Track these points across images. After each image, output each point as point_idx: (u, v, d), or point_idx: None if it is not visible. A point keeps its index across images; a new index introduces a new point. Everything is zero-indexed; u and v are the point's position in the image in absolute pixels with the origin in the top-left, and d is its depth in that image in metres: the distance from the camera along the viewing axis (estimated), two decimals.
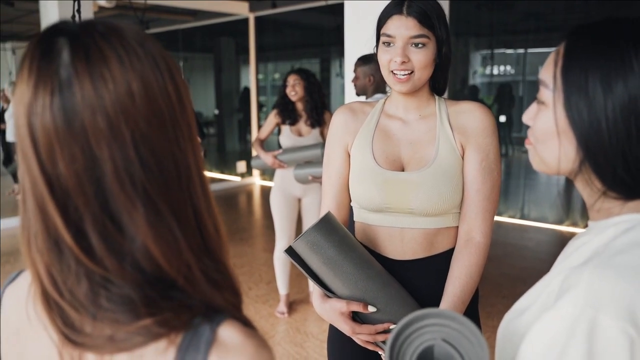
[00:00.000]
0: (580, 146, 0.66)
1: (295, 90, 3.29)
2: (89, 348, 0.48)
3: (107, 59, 0.47)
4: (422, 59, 1.21)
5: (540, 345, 0.63)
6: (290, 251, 1.18)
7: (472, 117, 1.26)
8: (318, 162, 3.08)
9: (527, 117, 0.75)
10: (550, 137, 0.69)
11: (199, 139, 0.55)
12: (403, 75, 1.22)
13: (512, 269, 4.30)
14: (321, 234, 1.14)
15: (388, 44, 1.23)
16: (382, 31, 1.25)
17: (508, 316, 0.76)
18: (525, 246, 5.05)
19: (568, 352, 0.59)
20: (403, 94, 1.27)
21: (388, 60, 1.23)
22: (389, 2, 1.25)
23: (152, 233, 0.48)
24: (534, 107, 0.74)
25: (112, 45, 0.48)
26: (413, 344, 0.69)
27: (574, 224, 5.67)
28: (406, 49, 1.21)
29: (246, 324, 0.52)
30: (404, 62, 1.20)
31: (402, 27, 1.20)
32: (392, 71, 1.23)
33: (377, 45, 1.29)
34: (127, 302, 0.48)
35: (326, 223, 1.15)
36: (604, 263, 0.62)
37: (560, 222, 5.77)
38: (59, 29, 0.49)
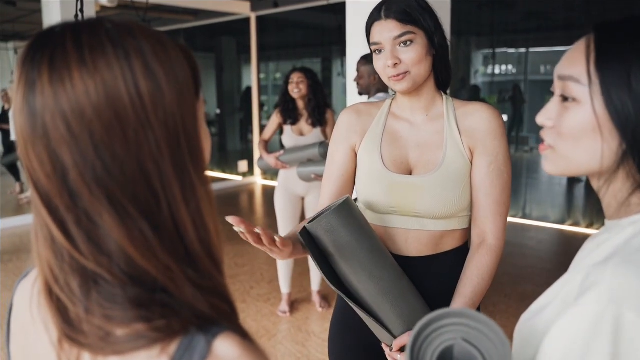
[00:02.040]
0: (623, 139, 0.66)
1: (299, 87, 3.28)
2: (84, 346, 0.48)
3: (69, 61, 0.46)
4: (412, 55, 1.20)
5: (563, 342, 0.62)
6: (303, 232, 1.14)
7: (480, 118, 1.25)
8: (319, 160, 3.09)
9: (545, 117, 0.73)
10: (587, 133, 0.68)
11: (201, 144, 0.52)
12: (400, 76, 1.21)
13: (514, 268, 4.30)
14: (341, 217, 1.10)
15: (378, 51, 1.23)
16: (370, 41, 1.25)
17: (525, 317, 0.75)
18: (527, 245, 5.05)
19: (593, 350, 0.59)
20: (407, 94, 1.27)
21: (382, 66, 1.23)
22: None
23: (124, 233, 0.48)
24: (554, 106, 0.73)
25: (80, 45, 0.47)
26: (433, 344, 0.68)
27: (576, 224, 5.67)
28: (395, 51, 1.20)
29: (245, 337, 0.50)
30: (395, 64, 1.20)
31: (384, 30, 1.20)
32: (388, 76, 1.23)
33: (372, 54, 1.29)
34: (117, 300, 0.48)
35: (347, 206, 1.11)
36: (626, 260, 0.62)
37: (562, 222, 5.76)
38: (47, 31, 0.50)
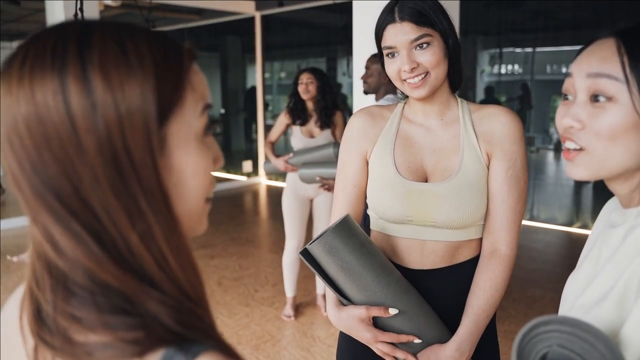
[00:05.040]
0: None
1: (308, 89, 3.22)
2: (50, 348, 0.46)
3: (10, 73, 0.45)
4: (431, 58, 1.14)
5: None
6: (305, 253, 1.12)
7: (498, 122, 1.19)
8: (327, 162, 3.02)
9: (574, 119, 0.73)
10: (627, 130, 0.70)
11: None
12: (417, 80, 1.15)
13: (522, 271, 4.24)
14: (339, 237, 1.07)
15: (392, 54, 1.17)
16: (382, 45, 1.19)
17: (576, 313, 0.77)
18: (535, 248, 4.99)
19: None
20: (422, 99, 1.21)
21: (397, 70, 1.16)
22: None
23: (73, 244, 0.45)
24: (582, 107, 0.73)
25: (24, 56, 0.45)
26: (532, 352, 0.66)
27: (584, 226, 5.60)
28: (412, 55, 1.14)
29: (230, 355, 0.46)
30: (413, 68, 1.14)
31: (399, 33, 1.13)
32: (404, 80, 1.17)
33: (381, 58, 1.23)
34: (83, 301, 0.46)
35: (345, 226, 1.09)
36: None
37: (569, 224, 5.70)
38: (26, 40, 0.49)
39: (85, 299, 0.46)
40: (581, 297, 0.77)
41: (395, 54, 1.16)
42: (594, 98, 0.72)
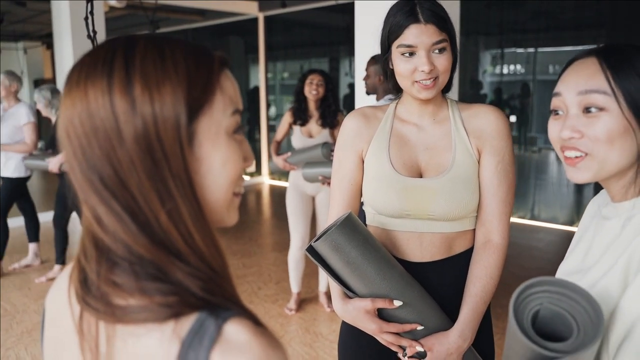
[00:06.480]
0: None
1: (317, 90, 3.31)
2: (92, 310, 0.52)
3: (70, 79, 0.54)
4: (445, 62, 1.19)
5: None
6: (310, 250, 1.17)
7: (486, 120, 1.26)
8: (327, 161, 3.09)
9: (572, 130, 0.82)
10: (620, 134, 0.79)
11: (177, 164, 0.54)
12: (430, 82, 1.20)
13: (522, 270, 4.27)
14: (344, 234, 1.12)
15: (409, 54, 1.20)
16: (398, 42, 1.20)
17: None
18: (536, 247, 5.03)
19: None
20: (425, 100, 1.25)
21: (411, 70, 1.20)
22: (394, 4, 1.23)
23: (114, 220, 0.52)
24: (577, 119, 0.82)
25: (82, 65, 0.54)
26: (525, 310, 0.73)
27: None
28: (430, 57, 1.18)
29: (257, 322, 0.52)
30: (431, 69, 1.18)
31: (423, 35, 1.17)
32: (415, 80, 1.21)
33: (386, 55, 1.26)
34: (123, 270, 0.53)
35: (349, 223, 1.13)
36: None
37: (570, 223, 5.73)
38: None
39: (125, 268, 0.53)
40: (582, 280, 0.84)
41: (413, 54, 1.20)
42: (586, 110, 0.81)
